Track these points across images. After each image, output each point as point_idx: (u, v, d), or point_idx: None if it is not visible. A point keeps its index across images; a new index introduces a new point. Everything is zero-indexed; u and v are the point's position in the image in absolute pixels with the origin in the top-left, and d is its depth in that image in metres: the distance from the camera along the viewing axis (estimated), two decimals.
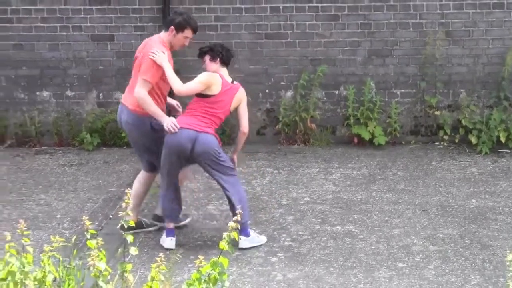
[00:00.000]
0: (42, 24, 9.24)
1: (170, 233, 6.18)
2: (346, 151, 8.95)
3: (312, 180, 7.91)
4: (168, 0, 8.99)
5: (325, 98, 9.33)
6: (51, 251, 4.24)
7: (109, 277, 4.03)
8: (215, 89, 6.06)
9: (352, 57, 9.25)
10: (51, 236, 4.49)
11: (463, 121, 9.03)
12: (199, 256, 3.96)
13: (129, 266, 4.13)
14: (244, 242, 6.09)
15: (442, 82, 9.17)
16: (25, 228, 4.18)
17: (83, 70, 9.34)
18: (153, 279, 4.02)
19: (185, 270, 5.69)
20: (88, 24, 9.23)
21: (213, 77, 6.09)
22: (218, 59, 6.17)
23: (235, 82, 6.24)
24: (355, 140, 9.14)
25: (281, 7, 9.18)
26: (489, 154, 8.72)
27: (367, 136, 9.01)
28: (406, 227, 6.59)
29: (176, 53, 8.61)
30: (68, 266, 4.51)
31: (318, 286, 5.44)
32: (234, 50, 8.87)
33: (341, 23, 9.17)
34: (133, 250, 4.17)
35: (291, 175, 8.07)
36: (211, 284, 3.90)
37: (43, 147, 9.21)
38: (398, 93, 9.31)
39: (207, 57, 6.19)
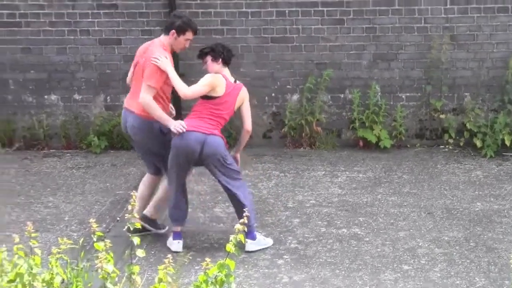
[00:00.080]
0: (50, 28, 9.27)
1: (177, 236, 6.22)
2: (352, 154, 8.96)
3: (318, 183, 7.93)
4: (174, 4, 9.00)
5: (330, 102, 9.34)
6: (59, 253, 4.27)
7: (116, 279, 4.07)
8: (220, 91, 6.09)
9: (358, 61, 9.25)
10: (59, 238, 4.53)
11: (468, 125, 9.02)
12: (206, 259, 4.00)
13: (136, 268, 4.17)
14: (250, 245, 6.11)
15: (447, 86, 9.19)
16: (33, 230, 4.22)
17: (91, 73, 9.37)
18: (160, 280, 4.04)
19: (192, 272, 5.72)
20: (96, 28, 9.26)
21: (218, 78, 6.11)
22: (220, 59, 6.19)
23: (237, 82, 6.27)
24: (361, 143, 9.15)
25: (287, 11, 9.19)
26: (493, 157, 8.72)
27: (373, 139, 9.00)
28: (411, 230, 6.61)
29: (181, 57, 8.73)
30: (76, 268, 4.55)
31: None
32: (240, 54, 8.97)
33: (346, 27, 9.18)
34: (140, 252, 4.19)
35: (297, 178, 8.10)
36: (218, 286, 3.93)
37: (51, 150, 9.23)
38: (403, 96, 9.31)
39: (208, 58, 6.20)
